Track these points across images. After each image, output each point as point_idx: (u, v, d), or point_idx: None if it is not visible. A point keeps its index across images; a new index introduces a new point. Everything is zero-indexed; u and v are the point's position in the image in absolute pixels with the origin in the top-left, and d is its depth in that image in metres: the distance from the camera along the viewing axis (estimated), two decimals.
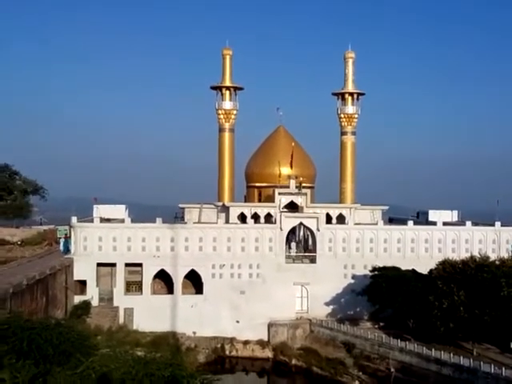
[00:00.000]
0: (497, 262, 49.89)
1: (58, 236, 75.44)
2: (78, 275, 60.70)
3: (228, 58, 76.94)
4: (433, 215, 74.00)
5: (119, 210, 71.04)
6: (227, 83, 76.72)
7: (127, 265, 62.15)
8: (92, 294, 60.56)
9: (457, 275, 50.01)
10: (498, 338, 49.68)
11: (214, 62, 79.03)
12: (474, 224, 67.06)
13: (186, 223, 66.55)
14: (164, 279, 63.19)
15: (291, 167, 73.58)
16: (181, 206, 77.23)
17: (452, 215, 75.66)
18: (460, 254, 60.01)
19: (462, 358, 46.81)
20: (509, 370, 43.98)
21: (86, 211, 71.03)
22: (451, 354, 47.46)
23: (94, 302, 60.03)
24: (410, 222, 66.91)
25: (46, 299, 51.09)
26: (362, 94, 78.51)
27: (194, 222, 67.11)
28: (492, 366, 44.60)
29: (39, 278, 49.36)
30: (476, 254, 53.93)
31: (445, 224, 67.37)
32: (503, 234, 65.27)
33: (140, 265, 62.11)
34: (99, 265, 61.84)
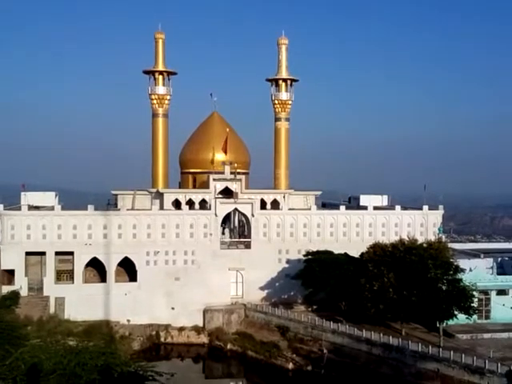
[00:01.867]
0: (424, 245, 51.75)
1: None
2: (5, 265, 58.94)
3: (161, 41, 75.70)
4: (364, 200, 75.81)
5: (49, 197, 69.09)
6: (160, 67, 75.55)
7: (58, 253, 60.79)
8: (21, 284, 58.94)
9: (386, 258, 51.60)
10: (425, 318, 51.65)
11: (147, 46, 77.61)
12: (403, 208, 69.18)
13: (119, 210, 65.58)
14: (97, 267, 62.19)
15: (225, 153, 73.53)
16: (114, 192, 75.80)
17: (382, 200, 77.80)
18: (390, 238, 61.85)
19: (391, 337, 48.57)
20: (435, 348, 45.97)
21: (13, 199, 68.66)
22: (381, 335, 49.12)
23: (23, 292, 58.51)
24: (342, 207, 68.31)
25: None
26: (296, 81, 79.13)
27: (128, 209, 66.16)
28: (419, 344, 46.49)
29: None
30: (405, 237, 55.71)
31: (375, 208, 69.20)
32: (430, 217, 67.63)
33: (71, 253, 60.88)
34: (28, 254, 60.23)
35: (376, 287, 50.39)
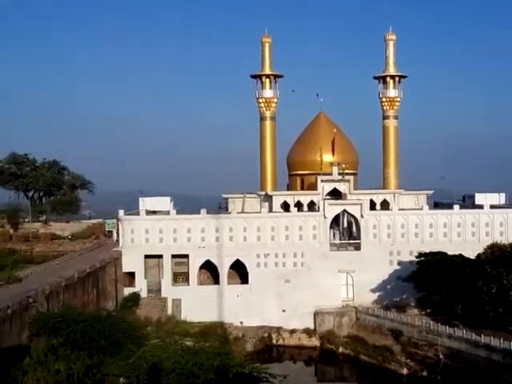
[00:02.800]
0: None
1: (107, 229, 77.57)
2: (126, 267, 62.27)
3: (267, 45, 76.91)
4: (479, 198, 72.84)
5: (164, 202, 72.16)
6: (267, 71, 76.85)
7: (174, 256, 63.37)
8: (141, 286, 62.09)
9: (505, 259, 49.44)
10: None
11: (254, 49, 79.05)
12: None
13: (229, 213, 67.41)
14: (210, 270, 64.24)
15: (333, 154, 73.41)
16: (224, 196, 78.08)
17: (499, 198, 74.22)
18: (508, 238, 59.28)
19: None
20: None
21: (132, 204, 72.66)
22: (501, 340, 47.02)
23: (143, 294, 61.57)
24: (456, 206, 66.13)
25: (97, 292, 52.89)
26: (404, 77, 77.52)
27: (238, 212, 67.89)
28: None
29: (90, 271, 51.19)
30: None
31: (492, 207, 66.32)
32: None
33: (186, 256, 63.24)
34: (147, 257, 63.23)
35: (494, 290, 48.38)
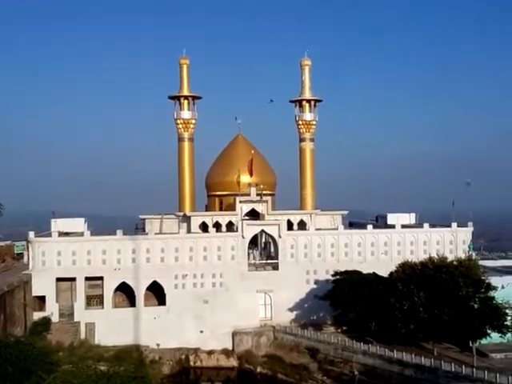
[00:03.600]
0: (454, 263, 50.98)
1: (16, 252, 74.02)
2: (36, 291, 59.64)
3: (185, 66, 77.01)
4: (391, 218, 75.34)
5: (78, 223, 70.06)
6: (185, 92, 76.76)
7: (87, 279, 61.36)
8: (52, 310, 59.53)
9: (416, 277, 50.97)
10: (458, 338, 50.68)
11: (172, 70, 79.17)
12: (432, 226, 68.55)
13: (147, 234, 66.17)
14: (126, 292, 62.58)
15: (251, 175, 73.91)
16: (141, 217, 76.72)
17: (410, 218, 77.22)
18: (419, 256, 61.01)
19: (423, 358, 47.79)
20: (469, 368, 45.09)
21: (43, 226, 69.83)
22: (413, 355, 48.37)
23: (54, 318, 59.05)
24: (370, 226, 68.02)
25: (4, 317, 50.07)
26: (319, 101, 79.64)
27: (156, 233, 66.74)
28: (452, 364, 45.65)
29: None
30: (434, 255, 54.98)
31: (403, 227, 68.73)
32: (460, 234, 66.88)
33: (101, 278, 61.39)
34: (58, 280, 60.87)
35: (406, 307, 49.74)
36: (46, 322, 56.97)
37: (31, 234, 61.69)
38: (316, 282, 63.86)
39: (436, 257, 53.24)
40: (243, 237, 64.37)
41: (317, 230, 68.35)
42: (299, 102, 79.20)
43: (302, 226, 72.18)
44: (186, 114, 76.54)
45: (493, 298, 48.05)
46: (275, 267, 65.19)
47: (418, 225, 72.24)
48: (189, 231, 68.99)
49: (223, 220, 71.02)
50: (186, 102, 76.85)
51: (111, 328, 59.32)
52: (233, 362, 60.53)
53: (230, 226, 70.35)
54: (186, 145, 76.72)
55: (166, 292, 62.17)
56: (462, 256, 55.74)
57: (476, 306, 47.77)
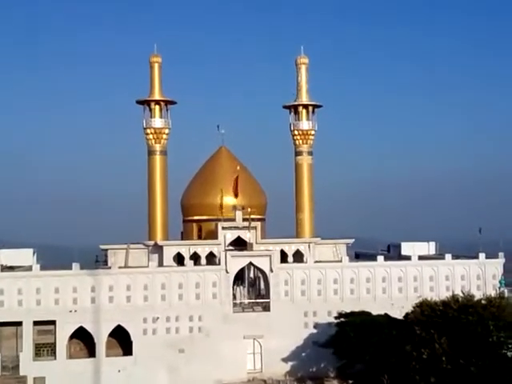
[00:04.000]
0: (483, 302, 50.97)
1: None
2: None
3: (157, 66, 77.03)
4: (406, 248, 75.39)
5: (25, 255, 69.45)
6: (156, 96, 76.74)
7: (36, 323, 60.69)
8: None
9: (437, 319, 50.84)
10: None
11: (141, 71, 79.32)
12: (455, 257, 68.69)
13: (109, 268, 65.74)
14: (83, 339, 61.99)
15: (236, 196, 73.75)
16: (103, 247, 76.01)
17: (429, 247, 77.32)
18: (440, 294, 61.19)
19: None
20: None
21: None
22: None
23: None
24: (380, 258, 67.98)
25: None
26: (319, 107, 79.98)
27: (120, 267, 66.25)
28: None
29: None
30: (458, 292, 54.98)
31: (420, 258, 68.77)
32: (488, 267, 67.00)
33: (53, 322, 60.79)
34: (1, 324, 60.22)
35: (425, 355, 49.45)
36: None
37: None
38: (316, 326, 63.62)
39: (461, 295, 53.17)
40: (227, 271, 64.06)
41: (316, 262, 68.31)
42: (295, 108, 79.45)
43: (299, 257, 72.01)
44: (157, 122, 76.45)
45: None
46: (266, 308, 64.84)
47: (439, 256, 72.31)
48: (161, 264, 68.55)
49: (203, 250, 70.68)
50: (157, 107, 76.78)
51: (66, 383, 58.52)
52: None
53: (211, 258, 70.03)
54: (158, 159, 76.53)
55: (132, 339, 61.63)
56: (492, 293, 55.75)
57: (510, 354, 47.62)
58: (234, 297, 65.51)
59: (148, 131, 76.41)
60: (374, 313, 59.80)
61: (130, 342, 61.75)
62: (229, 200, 75.20)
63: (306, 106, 79.08)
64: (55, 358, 60.71)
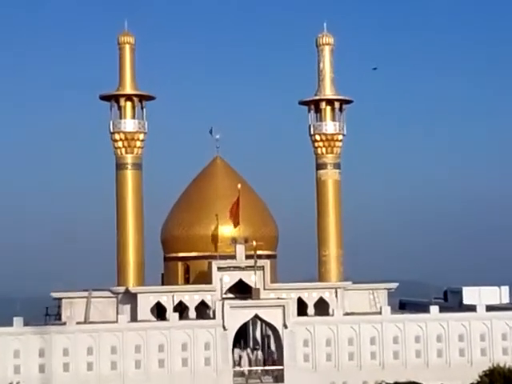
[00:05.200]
0: None
1: None
2: None
3: (128, 48, 77.14)
4: (469, 295, 75.16)
5: None
6: (127, 90, 76.91)
7: None
8: None
9: None
10: None
11: (106, 55, 79.65)
12: None
13: (64, 324, 65.75)
14: None
15: (236, 224, 73.71)
16: (55, 295, 75.94)
17: (500, 294, 77.03)
18: None
19: None
20: None
21: None
22: None
23: None
24: (434, 308, 67.92)
25: None
26: (349, 102, 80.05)
27: (78, 322, 66.30)
28: None
29: None
30: None
31: (489, 309, 68.64)
32: None
33: None
34: None
35: None
36: None
37: None
38: None
39: None
40: (225, 327, 64.00)
41: (347, 314, 68.43)
42: (316, 105, 79.48)
43: (323, 308, 71.86)
44: (129, 124, 76.45)
45: None
46: (279, 378, 64.75)
47: None
48: (134, 319, 68.59)
49: (191, 299, 70.56)
50: (128, 104, 76.79)
51: None
52: None
53: (203, 310, 70.04)
54: (129, 174, 76.44)
55: None
56: None
57: None
58: (235, 363, 65.50)
59: (116, 137, 76.37)
60: None
61: None
62: (226, 230, 75.30)
63: (330, 102, 78.97)
64: None
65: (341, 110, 79.57)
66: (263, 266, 70.96)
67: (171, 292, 71.84)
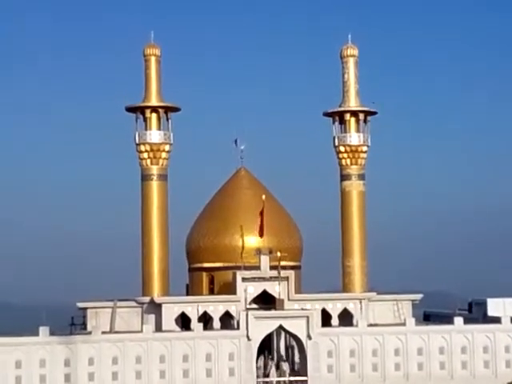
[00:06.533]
0: None
1: None
2: None
3: (154, 60, 77.50)
4: (494, 307, 74.42)
5: None
6: (153, 101, 77.17)
7: None
8: None
9: None
10: None
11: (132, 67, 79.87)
12: None
13: (89, 334, 65.88)
14: None
15: (261, 235, 73.62)
16: (80, 305, 76.05)
17: None
18: None
19: None
20: None
21: None
22: None
23: None
24: (459, 320, 67.64)
25: None
26: (373, 114, 79.93)
27: (104, 332, 66.37)
28: None
29: None
30: None
31: None
32: None
33: None
34: None
35: None
36: None
37: None
38: None
39: None
40: (249, 338, 63.95)
41: (371, 325, 68.33)
42: (340, 116, 79.43)
43: (347, 319, 71.57)
44: (154, 135, 76.71)
45: None
46: None
47: None
48: (159, 329, 68.58)
49: (216, 310, 70.56)
50: (154, 116, 77.08)
51: None
52: None
53: (228, 320, 70.04)
54: (155, 186, 76.68)
55: None
56: None
57: None
58: (259, 373, 65.31)
59: (142, 148, 76.67)
60: None
61: None
62: (251, 241, 75.26)
63: (355, 113, 78.97)
64: None
65: (365, 121, 79.54)
66: (287, 277, 70.93)
67: (196, 302, 71.83)
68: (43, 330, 62.67)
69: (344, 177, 79.20)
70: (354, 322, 69.76)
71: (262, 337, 65.13)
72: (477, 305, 79.30)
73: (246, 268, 71.76)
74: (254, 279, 70.72)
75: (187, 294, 79.39)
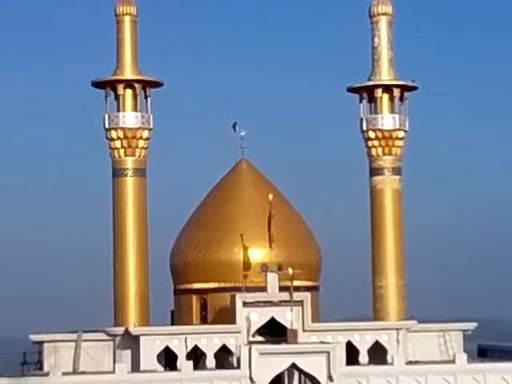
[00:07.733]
0: None
1: None
2: None
3: (128, 21, 77.47)
4: None
5: None
6: (128, 74, 77.06)
7: None
8: None
9: None
10: None
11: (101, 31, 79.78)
12: None
13: (47, 375, 66.05)
14: None
15: (270, 245, 73.56)
16: (34, 338, 76.24)
17: None
18: None
19: None
20: None
21: None
22: None
23: None
24: None
25: None
26: (412, 89, 79.81)
27: (65, 373, 66.42)
28: None
29: None
30: None
31: None
32: None
33: None
34: None
35: None
36: None
37: None
38: None
39: None
40: (252, 379, 64.07)
41: (410, 363, 68.53)
42: (369, 92, 79.44)
43: (379, 355, 71.51)
44: (129, 118, 76.52)
45: None
46: None
47: None
48: (136, 368, 68.68)
49: (209, 343, 70.48)
50: (129, 93, 76.94)
51: None
52: None
53: (225, 357, 69.92)
54: (130, 183, 76.58)
55: None
56: None
57: None
58: None
59: (113, 135, 76.47)
60: None
61: None
62: (255, 254, 75.15)
63: (388, 89, 78.86)
64: None
65: (401, 99, 79.26)
66: (302, 301, 70.61)
67: (183, 334, 71.46)
68: None
69: (374, 171, 79.07)
70: (389, 358, 69.58)
71: (270, 379, 65.28)
72: None
73: (249, 289, 71.56)
74: (258, 304, 70.46)
75: (172, 324, 79.39)
